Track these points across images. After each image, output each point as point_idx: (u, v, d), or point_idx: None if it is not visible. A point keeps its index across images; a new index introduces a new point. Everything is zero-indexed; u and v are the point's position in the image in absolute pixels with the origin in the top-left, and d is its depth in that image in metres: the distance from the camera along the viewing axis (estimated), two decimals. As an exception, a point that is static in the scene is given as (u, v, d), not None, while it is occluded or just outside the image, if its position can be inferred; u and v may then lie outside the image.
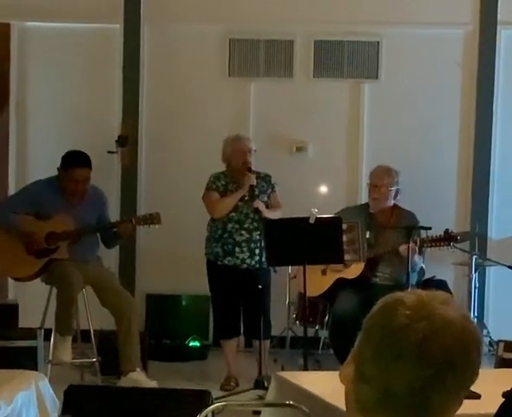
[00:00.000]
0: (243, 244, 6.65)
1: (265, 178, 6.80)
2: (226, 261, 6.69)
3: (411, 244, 6.27)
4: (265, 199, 6.73)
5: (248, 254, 6.64)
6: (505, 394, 2.99)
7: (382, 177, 6.82)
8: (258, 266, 6.56)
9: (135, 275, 8.14)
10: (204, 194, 6.76)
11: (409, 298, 1.51)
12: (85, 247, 6.46)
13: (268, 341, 6.78)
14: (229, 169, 6.77)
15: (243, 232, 6.65)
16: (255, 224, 6.60)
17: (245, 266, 6.65)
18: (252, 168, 6.66)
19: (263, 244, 6.46)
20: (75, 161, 6.46)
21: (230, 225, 6.66)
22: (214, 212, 6.70)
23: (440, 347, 1.46)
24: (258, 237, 6.56)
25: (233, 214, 6.65)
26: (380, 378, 1.49)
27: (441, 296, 1.53)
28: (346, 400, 1.58)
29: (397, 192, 6.87)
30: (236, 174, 6.70)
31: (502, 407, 2.73)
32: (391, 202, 6.85)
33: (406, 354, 1.46)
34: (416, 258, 6.50)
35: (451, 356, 1.46)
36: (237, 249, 6.65)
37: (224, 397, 6.01)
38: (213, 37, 8.11)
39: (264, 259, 6.49)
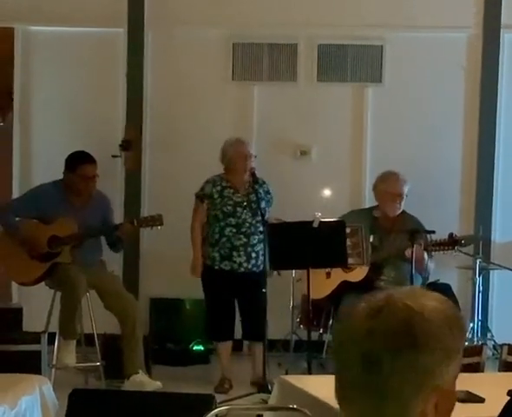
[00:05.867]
0: (240, 248, 6.70)
1: (262, 185, 6.85)
2: (222, 266, 6.73)
3: (417, 247, 6.29)
4: (264, 205, 6.75)
5: (245, 258, 6.71)
6: (510, 393, 2.99)
7: (402, 187, 6.85)
8: (254, 269, 6.68)
9: (139, 279, 8.14)
10: (195, 199, 6.83)
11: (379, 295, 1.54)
12: (88, 250, 6.47)
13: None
14: (227, 172, 6.79)
15: (241, 236, 6.70)
16: (252, 229, 6.67)
17: (242, 270, 6.71)
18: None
19: (259, 248, 6.61)
20: (83, 159, 6.49)
21: (228, 229, 6.71)
22: (191, 227, 6.81)
23: (383, 325, 1.46)
24: (255, 241, 6.67)
25: (231, 219, 6.70)
26: (338, 372, 1.51)
27: (410, 290, 1.55)
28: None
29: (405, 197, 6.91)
30: (234, 177, 6.73)
31: (507, 405, 2.73)
32: (401, 208, 6.91)
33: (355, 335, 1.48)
34: (429, 262, 6.56)
35: (395, 335, 1.45)
36: (234, 253, 6.71)
37: (227, 401, 6.01)
38: (217, 41, 8.12)
39: (259, 262, 6.63)
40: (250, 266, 6.69)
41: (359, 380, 1.46)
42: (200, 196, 6.81)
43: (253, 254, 6.69)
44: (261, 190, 6.80)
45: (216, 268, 6.74)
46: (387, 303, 1.48)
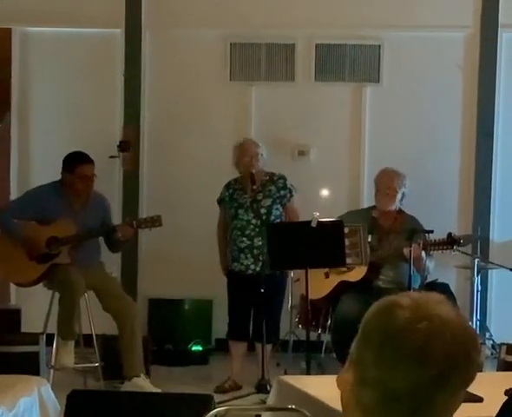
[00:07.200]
0: (246, 250, 6.71)
1: (276, 182, 6.80)
2: (233, 267, 6.77)
3: (415, 246, 6.28)
4: (269, 203, 6.73)
5: (252, 260, 6.69)
6: (508, 392, 2.99)
7: (393, 179, 6.85)
8: (263, 271, 6.57)
9: (137, 280, 8.14)
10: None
11: (404, 300, 1.50)
12: (87, 251, 6.46)
13: (270, 345, 6.80)
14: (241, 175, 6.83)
15: (244, 239, 6.70)
16: (257, 230, 6.63)
17: (250, 272, 6.70)
18: (254, 172, 6.66)
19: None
20: (81, 159, 6.49)
21: (234, 232, 6.73)
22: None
23: (442, 347, 1.45)
24: (259, 243, 6.62)
25: (236, 221, 6.71)
26: (383, 381, 1.48)
27: (435, 296, 1.53)
28: (345, 405, 1.57)
29: (403, 196, 6.89)
30: (243, 179, 6.76)
31: (504, 404, 2.73)
32: (397, 206, 6.87)
33: (409, 355, 1.45)
34: (428, 262, 6.55)
35: (453, 356, 1.46)
36: (241, 256, 6.73)
37: (227, 401, 6.01)
38: (214, 42, 8.12)
39: None
40: (258, 268, 6.66)
41: (422, 396, 1.47)
42: (218, 201, 6.91)
43: (261, 257, 6.60)
44: (273, 187, 6.76)
45: (229, 268, 6.83)
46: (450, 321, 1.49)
